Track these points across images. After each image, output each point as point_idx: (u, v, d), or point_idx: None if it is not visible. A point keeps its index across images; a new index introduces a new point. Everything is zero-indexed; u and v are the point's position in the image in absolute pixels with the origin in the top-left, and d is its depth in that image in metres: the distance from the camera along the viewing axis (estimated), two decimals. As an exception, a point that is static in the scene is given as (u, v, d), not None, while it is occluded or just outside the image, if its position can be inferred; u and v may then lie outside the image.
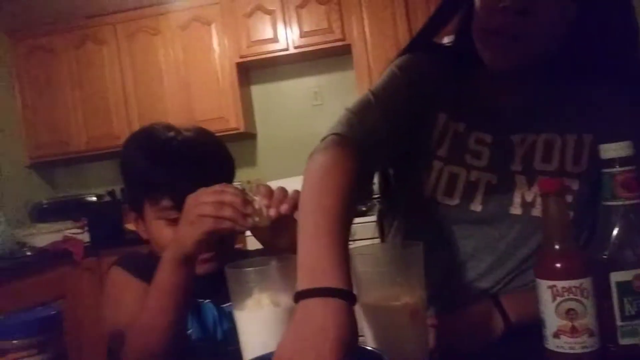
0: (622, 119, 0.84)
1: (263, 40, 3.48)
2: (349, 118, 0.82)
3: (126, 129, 3.45)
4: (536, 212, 0.83)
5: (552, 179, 0.65)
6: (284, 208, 0.76)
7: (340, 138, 0.78)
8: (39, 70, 3.66)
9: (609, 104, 0.85)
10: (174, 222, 0.91)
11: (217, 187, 0.77)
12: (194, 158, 0.96)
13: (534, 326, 0.65)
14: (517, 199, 0.85)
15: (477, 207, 0.85)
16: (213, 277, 0.92)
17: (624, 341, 0.61)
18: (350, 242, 0.65)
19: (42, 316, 0.68)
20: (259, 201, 0.76)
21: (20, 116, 3.68)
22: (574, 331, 0.60)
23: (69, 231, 3.20)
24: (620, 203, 0.63)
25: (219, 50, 3.52)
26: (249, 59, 3.52)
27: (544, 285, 0.62)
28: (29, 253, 2.97)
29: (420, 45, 0.92)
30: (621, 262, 0.62)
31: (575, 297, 0.60)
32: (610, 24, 0.80)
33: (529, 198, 0.84)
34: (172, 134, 0.99)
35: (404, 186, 0.95)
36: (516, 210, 0.85)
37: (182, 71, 3.55)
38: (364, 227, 2.78)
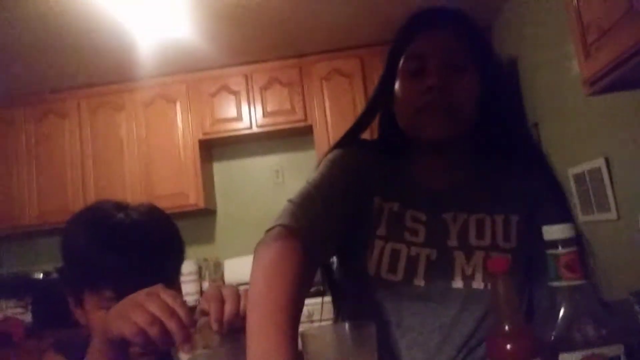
0: (538, 201, 0.94)
1: (227, 118, 3.55)
2: (293, 210, 0.84)
3: (81, 203, 3.37)
4: (476, 284, 0.88)
5: (500, 258, 0.66)
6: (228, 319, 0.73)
7: (286, 230, 0.80)
8: (-4, 141, 3.59)
9: (524, 188, 0.95)
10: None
11: (170, 299, 0.71)
12: (142, 245, 0.90)
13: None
14: (457, 273, 0.89)
15: (420, 282, 0.89)
16: None
17: None
18: (309, 322, 0.64)
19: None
20: (203, 323, 0.72)
21: (-30, 187, 3.56)
22: (525, 414, 0.59)
23: (10, 310, 3.01)
24: (565, 284, 0.64)
25: (182, 127, 3.56)
26: (212, 136, 3.56)
27: (495, 367, 0.62)
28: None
29: (349, 140, 1.01)
30: (569, 343, 0.62)
31: (525, 379, 0.60)
32: (503, 105, 0.95)
33: (468, 272, 0.89)
34: (121, 215, 0.93)
35: (349, 270, 0.97)
36: (457, 283, 0.89)
37: (144, 146, 3.55)
38: (324, 306, 2.76)
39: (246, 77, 3.57)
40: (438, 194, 0.95)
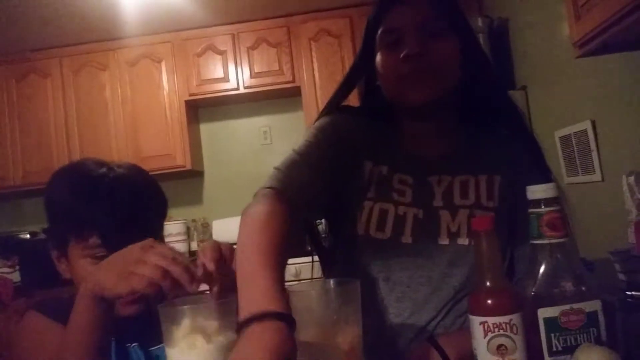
0: (520, 165, 0.97)
1: (213, 79, 3.50)
2: (278, 176, 0.87)
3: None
4: (461, 240, 0.92)
5: (484, 216, 0.67)
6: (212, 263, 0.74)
7: (274, 191, 0.83)
8: (-24, 101, 3.51)
9: (507, 152, 0.99)
10: (100, 260, 0.85)
11: (166, 250, 0.73)
12: (126, 195, 0.92)
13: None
14: (443, 230, 0.93)
15: (407, 239, 0.92)
16: (139, 318, 0.89)
17: (552, 376, 0.63)
18: (296, 281, 0.65)
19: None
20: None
21: (-48, 148, 3.50)
22: (504, 367, 0.61)
23: (-2, 270, 3.02)
24: (546, 242, 0.65)
25: (168, 87, 3.51)
26: (198, 97, 3.51)
27: (476, 321, 0.63)
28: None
29: (335, 107, 1.02)
30: (548, 298, 0.64)
31: (505, 332, 0.61)
32: (483, 71, 0.97)
33: (453, 229, 0.92)
34: (104, 169, 0.95)
35: (339, 232, 1.00)
36: (444, 240, 0.92)
37: (129, 107, 3.50)
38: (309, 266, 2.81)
39: (233, 37, 3.51)
40: (425, 161, 0.98)
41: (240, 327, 0.60)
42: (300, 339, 0.64)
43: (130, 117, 3.49)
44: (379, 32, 0.94)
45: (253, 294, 0.64)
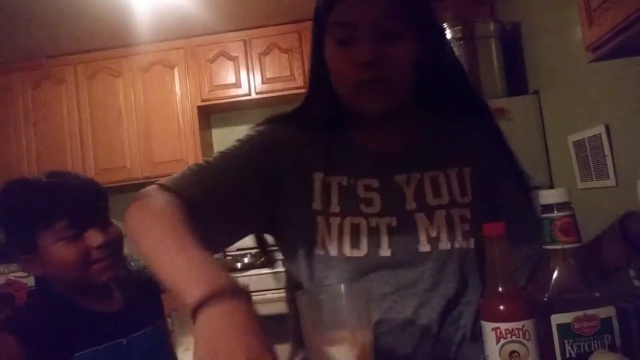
0: (484, 152, 0.92)
1: (225, 85, 3.52)
2: (175, 177, 0.81)
3: (81, 169, 3.37)
4: (443, 245, 0.85)
5: (495, 222, 0.66)
6: None
7: (163, 187, 0.77)
8: (-7, 108, 3.57)
9: (473, 140, 0.92)
10: (72, 240, 1.04)
11: None
12: (78, 185, 1.10)
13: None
14: (422, 237, 0.85)
15: (386, 252, 0.85)
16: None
17: (565, 383, 0.62)
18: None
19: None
20: None
21: (-31, 154, 3.56)
22: (517, 373, 0.61)
23: (12, 274, 3.05)
24: (559, 247, 0.65)
25: (181, 93, 3.53)
26: (210, 102, 3.54)
27: (488, 327, 0.63)
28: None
29: (275, 117, 0.96)
30: (561, 304, 0.63)
31: (518, 339, 0.61)
32: (443, 62, 0.89)
33: (433, 233, 0.85)
34: (43, 175, 1.12)
35: (300, 256, 0.88)
36: (424, 247, 0.85)
37: (142, 113, 3.53)
38: (260, 279, 2.88)
39: (245, 43, 3.53)
40: (388, 155, 0.90)
41: (196, 310, 0.54)
42: (310, 345, 0.64)
43: (143, 122, 3.52)
44: (329, 21, 0.83)
45: (191, 269, 0.58)
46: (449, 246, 0.85)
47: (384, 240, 0.85)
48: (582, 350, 0.62)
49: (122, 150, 3.51)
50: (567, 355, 0.62)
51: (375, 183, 0.88)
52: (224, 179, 0.83)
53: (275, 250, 0.97)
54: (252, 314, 0.55)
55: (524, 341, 0.61)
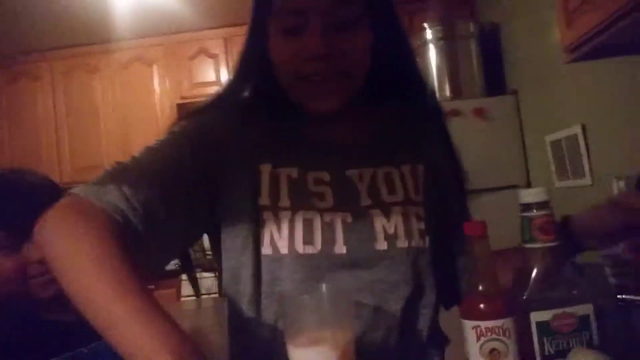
0: (437, 151, 0.89)
1: (206, 82, 3.49)
2: (94, 182, 0.72)
3: (56, 168, 3.32)
4: (401, 243, 0.79)
5: (477, 222, 0.67)
6: None
7: (75, 199, 0.69)
8: (-34, 104, 3.49)
9: (425, 136, 0.89)
10: (10, 251, 0.95)
11: None
12: (17, 190, 1.00)
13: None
14: (379, 234, 0.79)
15: (341, 249, 0.78)
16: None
17: (544, 381, 0.63)
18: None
19: None
20: None
21: (-60, 152, 3.47)
22: (497, 371, 0.61)
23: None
24: (538, 246, 0.65)
25: (160, 91, 3.49)
26: (190, 100, 3.50)
27: (468, 325, 0.63)
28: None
29: (209, 106, 0.85)
30: (540, 302, 0.64)
31: (498, 337, 0.61)
32: (399, 50, 0.83)
33: (390, 230, 0.80)
34: None
35: (240, 252, 0.79)
36: (381, 245, 0.79)
37: (121, 111, 3.48)
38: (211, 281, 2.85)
39: (225, 41, 3.50)
40: (339, 148, 0.83)
41: None
42: (292, 345, 0.64)
43: (122, 120, 3.47)
44: (275, 7, 0.75)
45: (149, 333, 0.54)
46: (406, 244, 0.79)
47: (339, 237, 0.78)
48: (561, 348, 0.62)
49: (99, 148, 3.46)
50: (546, 353, 0.63)
51: (326, 177, 0.81)
52: (158, 173, 0.73)
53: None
54: None
55: (504, 339, 0.61)
